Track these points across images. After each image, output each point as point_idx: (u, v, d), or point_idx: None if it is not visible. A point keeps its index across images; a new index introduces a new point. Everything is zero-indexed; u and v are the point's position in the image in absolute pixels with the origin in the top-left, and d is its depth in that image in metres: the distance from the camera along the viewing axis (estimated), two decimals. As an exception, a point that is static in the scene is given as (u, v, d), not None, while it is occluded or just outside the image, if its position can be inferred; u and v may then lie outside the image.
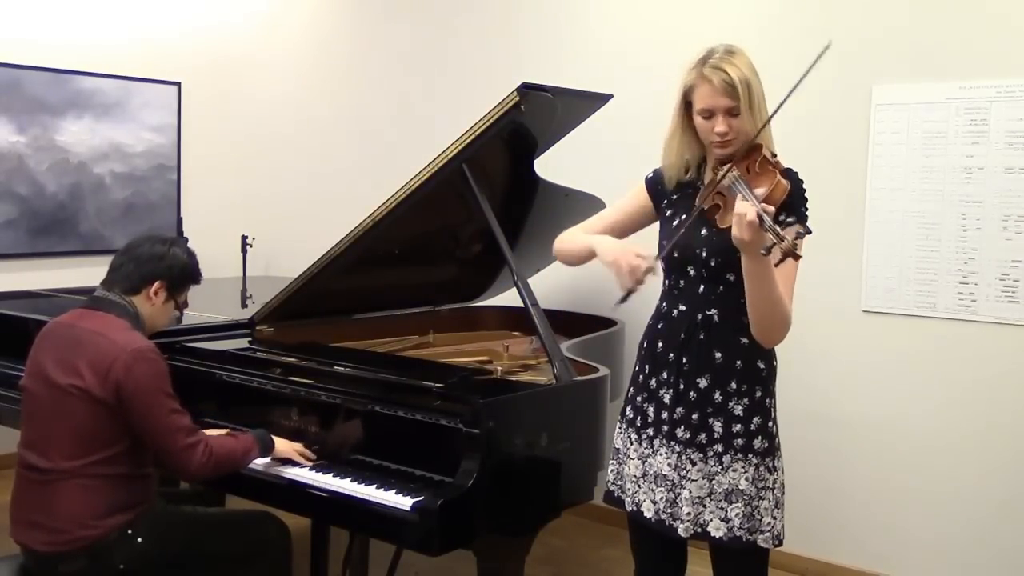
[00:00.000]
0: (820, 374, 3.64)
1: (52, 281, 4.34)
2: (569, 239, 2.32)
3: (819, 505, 3.68)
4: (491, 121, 2.71)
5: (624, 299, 1.98)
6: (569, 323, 3.43)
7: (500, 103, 2.69)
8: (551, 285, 3.64)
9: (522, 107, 2.67)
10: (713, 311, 2.10)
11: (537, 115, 2.82)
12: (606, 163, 3.94)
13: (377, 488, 2.33)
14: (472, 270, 3.62)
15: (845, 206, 3.55)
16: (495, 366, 2.97)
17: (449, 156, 2.78)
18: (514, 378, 2.80)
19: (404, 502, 2.25)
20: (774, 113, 1.97)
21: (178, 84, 5.28)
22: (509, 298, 3.48)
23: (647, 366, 2.21)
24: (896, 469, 3.52)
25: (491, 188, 3.02)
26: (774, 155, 2.03)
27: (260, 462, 2.53)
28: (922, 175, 3.41)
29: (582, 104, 3.13)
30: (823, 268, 3.59)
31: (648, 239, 2.24)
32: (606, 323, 3.52)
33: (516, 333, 3.67)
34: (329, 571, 2.89)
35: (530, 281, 2.85)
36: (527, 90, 2.66)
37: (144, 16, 5.15)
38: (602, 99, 3.13)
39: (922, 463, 3.47)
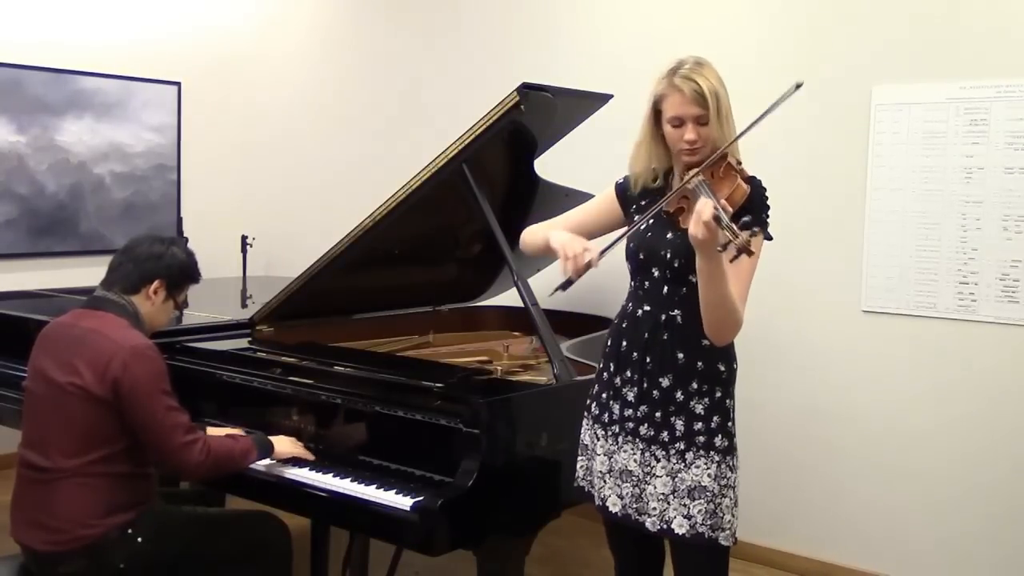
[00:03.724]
0: (820, 374, 3.64)
1: (52, 281, 4.34)
2: (532, 231, 2.40)
3: (819, 505, 3.69)
4: (491, 121, 2.72)
5: (563, 287, 2.08)
6: (569, 323, 3.42)
7: (500, 103, 2.69)
8: (551, 285, 3.62)
9: (522, 107, 2.67)
10: (676, 312, 2.14)
11: (537, 115, 2.82)
12: (606, 163, 3.92)
13: (377, 488, 2.33)
14: (472, 270, 3.62)
15: (845, 206, 3.55)
16: (495, 366, 2.97)
17: (449, 156, 2.79)
18: (514, 378, 2.81)
19: (404, 502, 2.26)
20: (742, 133, 2.02)
21: (178, 84, 5.28)
22: (509, 298, 3.48)
23: (612, 364, 2.25)
24: (896, 469, 3.52)
25: (491, 188, 3.02)
26: (739, 162, 2.09)
27: (261, 462, 2.53)
28: (922, 175, 3.41)
29: (582, 104, 3.13)
30: (823, 268, 3.59)
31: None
32: (606, 323, 3.50)
33: (516, 333, 3.67)
34: (329, 571, 2.89)
35: (530, 281, 2.85)
36: (527, 90, 2.67)
37: (144, 16, 5.15)
38: (602, 99, 3.13)
39: (922, 463, 3.47)
